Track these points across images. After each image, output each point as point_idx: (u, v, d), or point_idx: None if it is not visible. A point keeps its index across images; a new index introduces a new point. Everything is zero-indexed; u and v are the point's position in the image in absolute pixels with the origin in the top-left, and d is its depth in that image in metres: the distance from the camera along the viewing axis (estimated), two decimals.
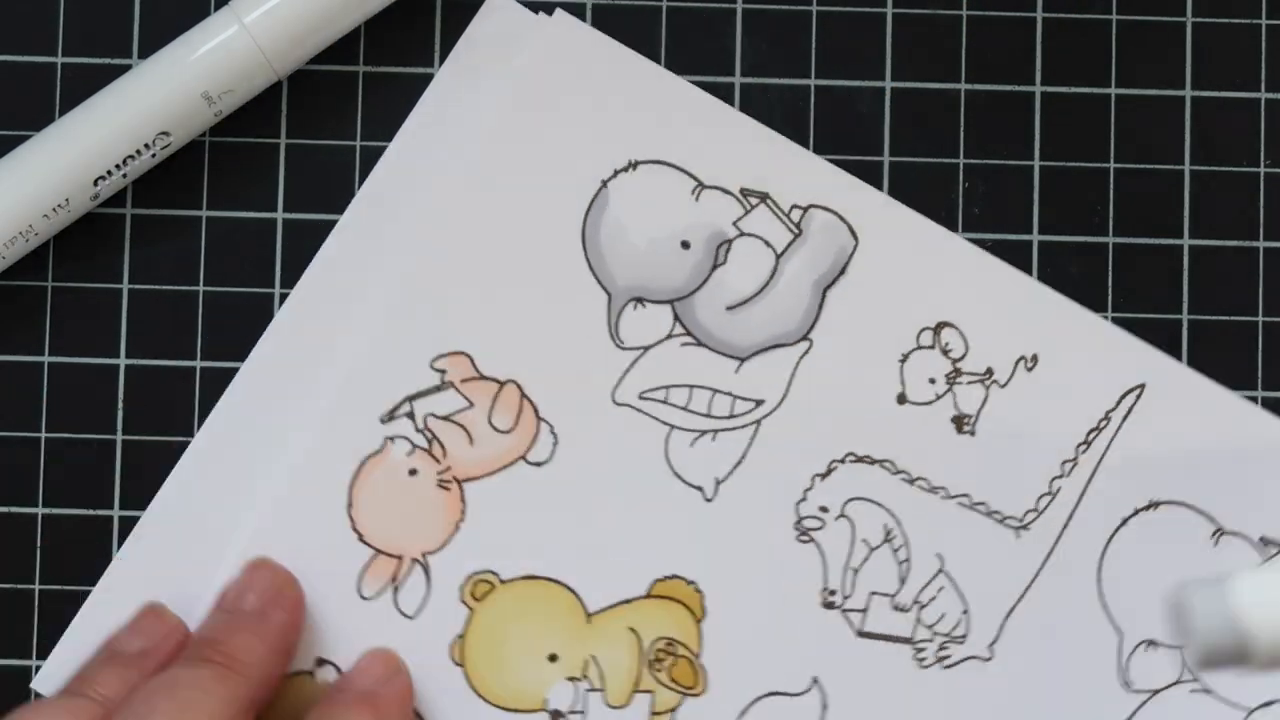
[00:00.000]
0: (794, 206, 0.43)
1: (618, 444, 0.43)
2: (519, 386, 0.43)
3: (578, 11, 0.44)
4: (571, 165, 0.43)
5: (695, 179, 0.43)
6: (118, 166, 0.41)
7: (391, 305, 0.43)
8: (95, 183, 0.41)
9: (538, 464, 0.43)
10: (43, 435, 0.43)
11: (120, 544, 0.43)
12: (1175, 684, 0.43)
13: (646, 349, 0.43)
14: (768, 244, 0.43)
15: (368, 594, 0.42)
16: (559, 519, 0.43)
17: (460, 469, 0.43)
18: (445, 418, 0.43)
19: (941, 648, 0.43)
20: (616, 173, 0.43)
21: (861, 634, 0.43)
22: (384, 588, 0.42)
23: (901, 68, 0.44)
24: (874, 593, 0.43)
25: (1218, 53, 0.44)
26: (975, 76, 0.44)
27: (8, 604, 0.43)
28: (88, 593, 0.42)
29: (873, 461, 0.43)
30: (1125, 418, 0.43)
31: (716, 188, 0.43)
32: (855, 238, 0.43)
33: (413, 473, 0.43)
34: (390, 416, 0.43)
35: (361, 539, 0.42)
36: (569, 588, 0.43)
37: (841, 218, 0.43)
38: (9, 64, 0.43)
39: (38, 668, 0.42)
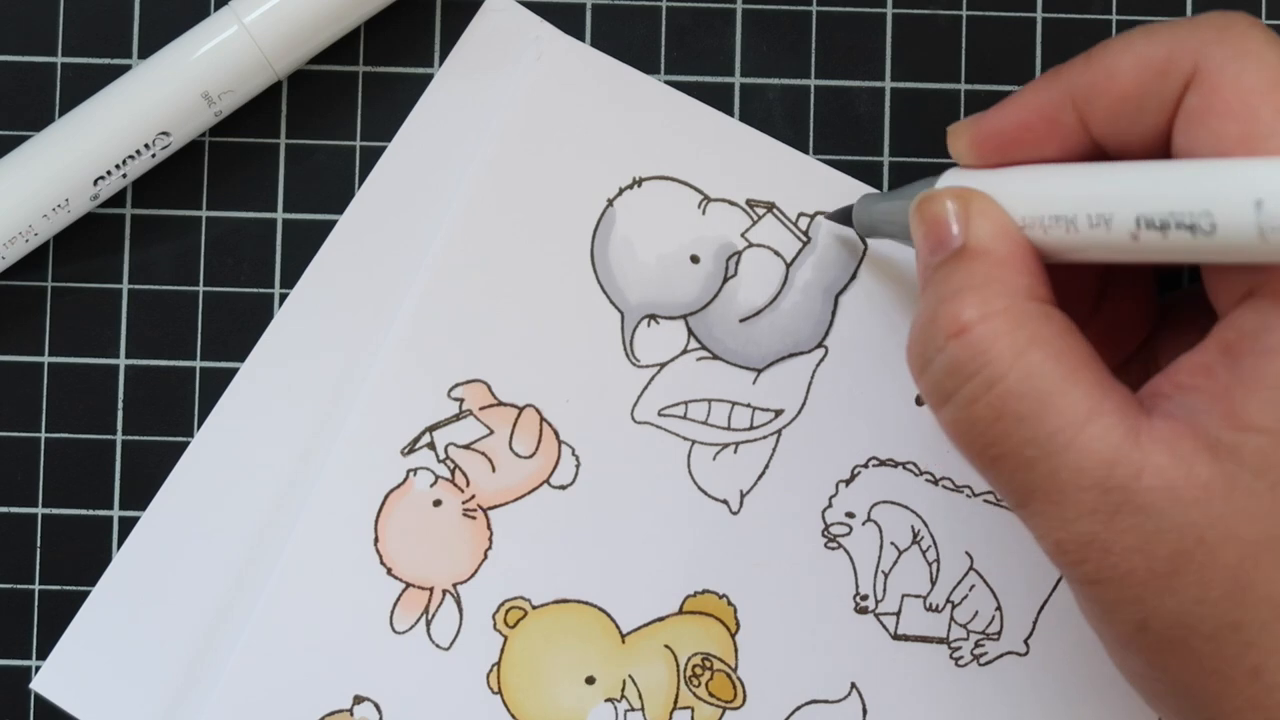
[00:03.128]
0: (801, 214, 0.43)
1: (640, 462, 0.43)
2: (538, 411, 0.43)
3: (578, 12, 0.44)
4: (577, 186, 0.43)
5: (701, 192, 0.43)
6: (117, 166, 0.41)
7: (406, 336, 0.43)
8: (95, 183, 0.41)
9: (562, 487, 0.43)
10: (43, 435, 0.43)
11: (120, 544, 0.43)
12: None
13: (663, 365, 0.43)
14: (777, 254, 0.43)
15: (401, 628, 0.42)
16: (587, 541, 0.43)
17: (484, 497, 0.43)
18: (466, 446, 0.43)
19: (977, 645, 0.43)
20: (622, 190, 0.43)
21: (896, 637, 0.43)
22: (416, 620, 0.42)
23: (901, 68, 0.44)
24: (906, 595, 0.43)
25: None
26: (975, 76, 0.44)
27: (8, 604, 0.43)
28: (88, 593, 0.42)
29: (895, 464, 0.43)
30: None
31: (723, 200, 0.43)
32: (864, 242, 0.43)
33: (437, 503, 0.43)
34: (411, 449, 0.43)
35: (391, 573, 0.42)
36: (601, 609, 0.43)
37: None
38: (9, 64, 0.43)
39: (38, 668, 0.42)
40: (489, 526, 0.43)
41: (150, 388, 0.43)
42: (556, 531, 0.43)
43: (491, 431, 0.43)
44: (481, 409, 0.43)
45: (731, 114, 0.44)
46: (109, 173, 0.41)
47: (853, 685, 0.43)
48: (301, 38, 0.41)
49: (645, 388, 0.43)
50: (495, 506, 0.43)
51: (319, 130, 0.44)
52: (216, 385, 0.43)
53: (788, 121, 0.44)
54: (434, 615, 0.42)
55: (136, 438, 0.43)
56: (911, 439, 0.43)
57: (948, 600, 0.43)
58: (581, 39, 0.44)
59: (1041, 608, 0.43)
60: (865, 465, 0.43)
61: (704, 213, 0.43)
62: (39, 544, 0.43)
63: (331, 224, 0.43)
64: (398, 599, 0.42)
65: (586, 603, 0.43)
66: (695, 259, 0.43)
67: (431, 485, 0.43)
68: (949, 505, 0.43)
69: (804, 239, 0.43)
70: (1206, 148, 0.32)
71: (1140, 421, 0.31)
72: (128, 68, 0.43)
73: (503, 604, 0.43)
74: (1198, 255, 0.31)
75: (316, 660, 0.42)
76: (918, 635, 0.43)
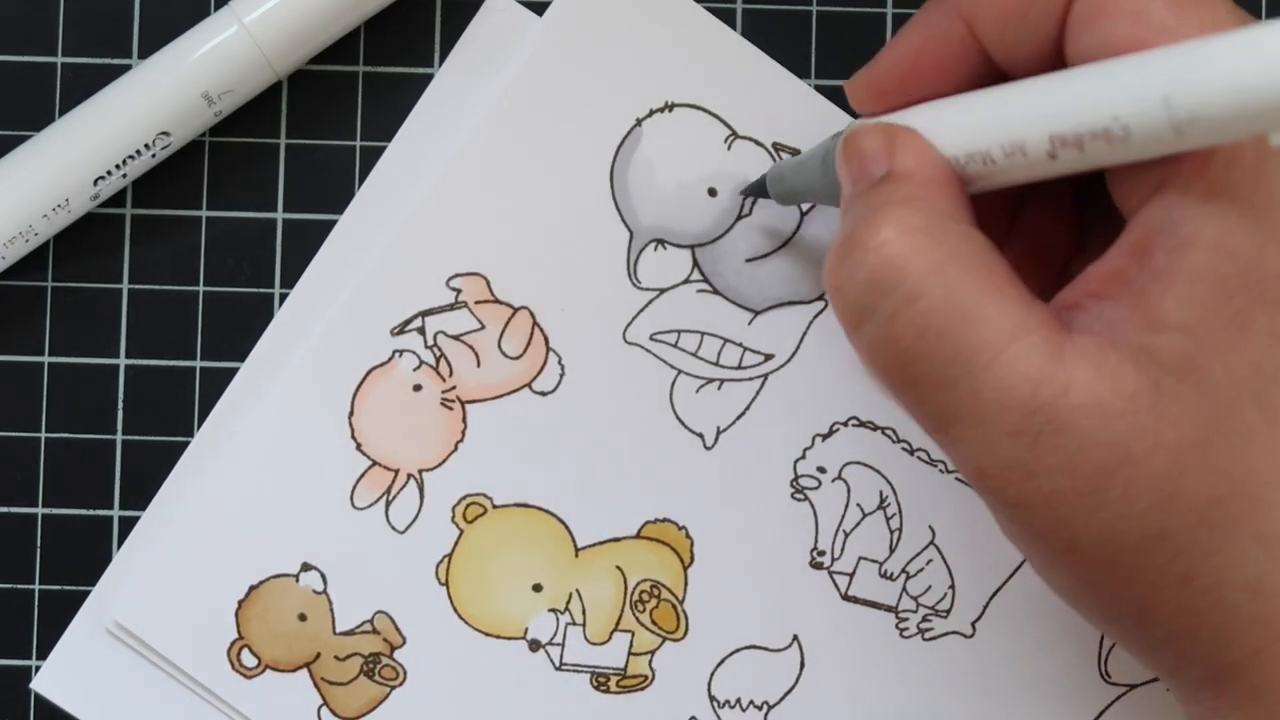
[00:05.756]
0: None
1: (624, 382, 0.43)
2: (532, 314, 0.43)
3: None
4: (608, 101, 0.43)
5: (730, 128, 0.43)
6: (118, 166, 0.41)
7: (413, 219, 0.43)
8: (95, 183, 0.41)
9: (542, 394, 0.43)
10: (43, 435, 0.43)
11: (120, 544, 0.43)
12: (1155, 680, 0.43)
13: (663, 291, 0.43)
14: None
15: (360, 504, 0.42)
16: (558, 450, 0.43)
17: (465, 390, 0.43)
18: (455, 337, 0.43)
19: (925, 619, 0.43)
20: (652, 112, 0.43)
21: (846, 597, 0.43)
22: (377, 499, 0.42)
23: None
24: (863, 558, 0.43)
25: None
26: None
27: (8, 604, 0.43)
28: (88, 593, 0.42)
29: (875, 428, 0.43)
30: None
31: (750, 139, 0.43)
32: None
33: (417, 388, 0.43)
34: (401, 329, 0.43)
35: (360, 449, 0.42)
36: (560, 520, 0.43)
37: None
38: (9, 64, 0.43)
39: (38, 668, 0.42)
40: (464, 420, 0.43)
41: (150, 388, 0.43)
42: (530, 436, 0.43)
43: (483, 326, 0.43)
44: (477, 303, 0.43)
45: None
46: (109, 173, 0.41)
47: (794, 638, 0.43)
48: (301, 38, 0.41)
49: (642, 310, 0.43)
50: (474, 401, 0.43)
51: (319, 130, 0.44)
52: (216, 385, 0.43)
53: None
54: (395, 497, 0.42)
55: (136, 438, 0.43)
56: (894, 405, 0.43)
57: (903, 570, 0.43)
58: None
59: (995, 594, 0.43)
60: (845, 423, 0.43)
61: (729, 148, 0.43)
62: (39, 544, 0.43)
63: (331, 224, 0.43)
64: (362, 475, 0.42)
65: (547, 511, 0.43)
66: (713, 192, 0.43)
67: (415, 369, 0.43)
68: (920, 477, 0.43)
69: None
70: (1098, 52, 0.31)
71: (1063, 338, 0.30)
72: (128, 68, 0.43)
73: (464, 498, 0.43)
74: (1119, 160, 0.31)
75: (272, 522, 0.42)
76: (867, 599, 0.43)
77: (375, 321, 0.43)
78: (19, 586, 0.43)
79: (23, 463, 0.43)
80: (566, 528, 0.43)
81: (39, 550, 0.43)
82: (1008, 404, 0.30)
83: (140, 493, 0.43)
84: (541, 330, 0.43)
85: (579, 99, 0.43)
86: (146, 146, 0.41)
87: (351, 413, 0.43)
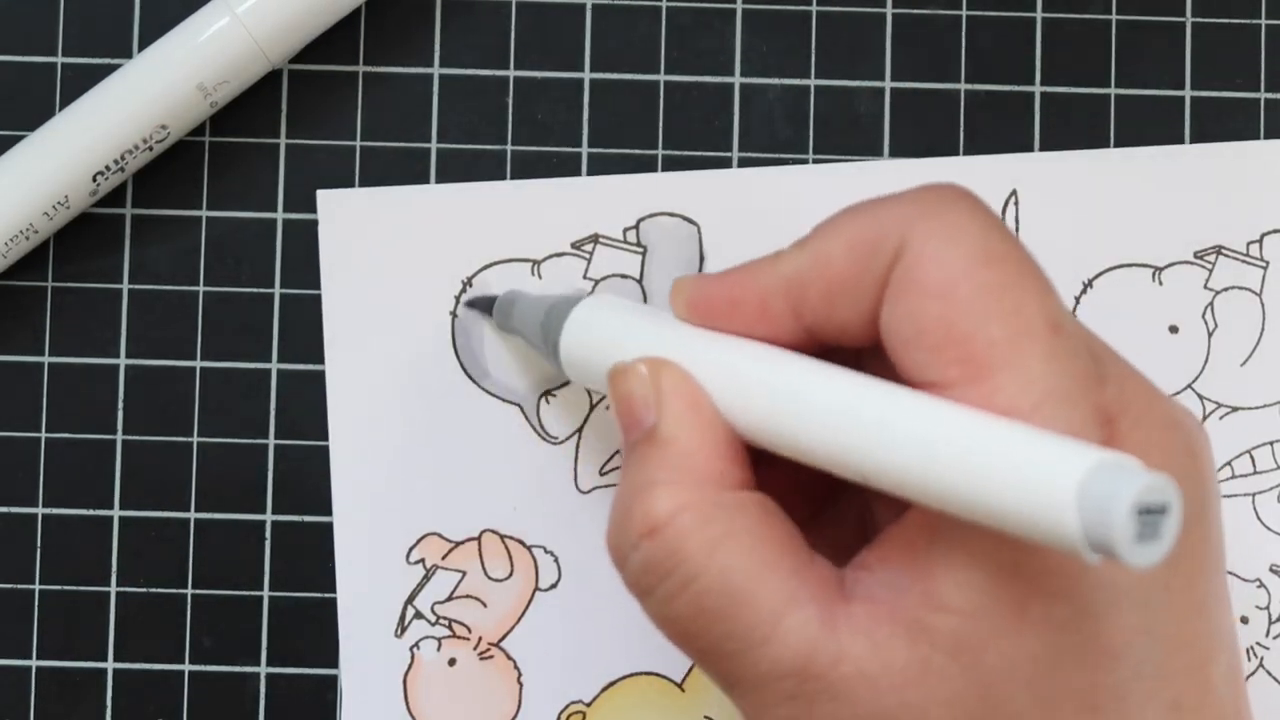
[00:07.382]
0: (626, 229, 0.43)
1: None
2: (495, 531, 0.43)
3: (578, 12, 0.44)
4: (418, 317, 0.43)
5: (529, 260, 0.43)
6: (116, 161, 0.41)
7: (345, 533, 0.43)
8: (94, 179, 0.41)
9: (553, 587, 0.43)
10: (43, 435, 0.43)
11: (120, 543, 0.43)
12: None
13: (579, 429, 0.43)
14: (624, 276, 0.43)
15: None
16: (599, 620, 0.43)
17: (490, 634, 0.43)
18: (450, 599, 0.43)
19: None
20: (458, 299, 0.43)
21: None
22: None
23: (901, 68, 0.44)
24: None
25: (1218, 53, 0.45)
26: (975, 76, 0.44)
27: (8, 604, 0.43)
28: (87, 592, 0.42)
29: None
30: (1017, 227, 0.43)
31: (551, 256, 0.43)
32: (694, 222, 0.43)
33: (452, 662, 0.43)
34: (403, 628, 0.43)
35: None
36: (648, 672, 0.43)
37: (672, 214, 0.43)
38: (9, 64, 0.43)
39: (38, 668, 0.42)
40: (509, 657, 0.43)
41: (150, 388, 0.43)
42: (570, 628, 0.43)
43: (464, 573, 0.43)
44: (444, 558, 0.43)
45: (731, 114, 0.44)
46: (108, 168, 0.41)
47: None
48: (295, 25, 0.41)
49: (576, 458, 0.43)
50: (505, 636, 0.43)
51: (319, 130, 0.44)
52: (217, 385, 0.43)
53: (788, 121, 0.44)
54: None
55: (136, 438, 0.43)
56: None
57: None
58: (581, 39, 0.44)
59: None
60: None
61: (540, 276, 0.43)
62: (39, 544, 0.43)
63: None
64: None
65: (632, 674, 0.43)
66: None
67: (438, 650, 0.43)
68: None
69: (639, 249, 0.43)
70: (907, 326, 0.31)
71: (838, 607, 0.31)
72: None
73: (561, 715, 0.43)
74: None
75: None
76: None
77: (377, 637, 0.43)
78: (19, 586, 0.43)
79: (23, 463, 0.43)
80: (658, 674, 0.43)
81: (39, 550, 0.43)
82: (783, 672, 0.31)
83: (140, 493, 0.43)
84: (512, 538, 0.43)
85: (395, 336, 0.43)
86: (144, 140, 0.41)
87: None
